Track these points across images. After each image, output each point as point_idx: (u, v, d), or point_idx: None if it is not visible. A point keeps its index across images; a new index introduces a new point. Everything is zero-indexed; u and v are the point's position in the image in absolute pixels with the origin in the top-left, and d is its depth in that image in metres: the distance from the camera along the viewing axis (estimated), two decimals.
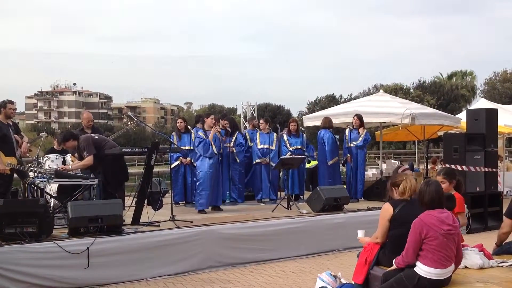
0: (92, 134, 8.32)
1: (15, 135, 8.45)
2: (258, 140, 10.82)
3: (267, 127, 10.92)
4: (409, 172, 5.98)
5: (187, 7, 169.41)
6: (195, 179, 10.23)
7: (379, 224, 5.06)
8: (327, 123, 11.04)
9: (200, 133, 9.39)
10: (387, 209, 5.02)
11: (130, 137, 57.02)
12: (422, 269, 4.50)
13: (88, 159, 7.65)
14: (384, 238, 5.01)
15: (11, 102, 8.45)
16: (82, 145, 7.77)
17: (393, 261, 4.74)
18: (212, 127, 9.42)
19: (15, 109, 8.65)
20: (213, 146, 9.27)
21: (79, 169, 7.91)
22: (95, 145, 7.79)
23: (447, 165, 10.86)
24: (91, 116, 9.82)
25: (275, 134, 10.88)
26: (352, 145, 10.93)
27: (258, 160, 10.77)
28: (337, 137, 11.15)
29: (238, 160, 10.52)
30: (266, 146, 10.75)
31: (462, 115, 14.45)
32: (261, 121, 11.13)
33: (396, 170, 7.47)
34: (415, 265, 4.57)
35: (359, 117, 11.09)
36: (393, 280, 4.62)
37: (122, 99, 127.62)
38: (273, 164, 10.36)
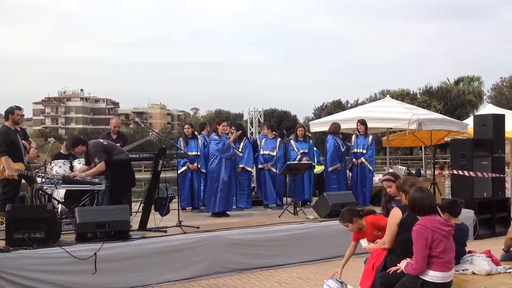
0: (101, 140, 8.35)
1: (23, 141, 8.51)
2: (262, 146, 10.87)
3: (272, 132, 10.96)
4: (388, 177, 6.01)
5: (195, 12, 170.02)
6: (202, 185, 10.33)
7: (387, 230, 5.05)
8: (332, 129, 11.08)
9: (215, 137, 9.54)
10: (396, 214, 5.00)
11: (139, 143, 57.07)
12: (427, 274, 4.48)
13: (101, 165, 7.67)
14: (392, 244, 4.99)
15: (19, 108, 8.51)
16: (92, 151, 7.79)
17: (403, 264, 4.65)
18: (224, 134, 9.64)
19: (23, 115, 8.71)
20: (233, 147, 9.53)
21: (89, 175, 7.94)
22: (104, 150, 7.81)
23: (455, 171, 10.85)
24: (119, 122, 9.98)
25: (278, 139, 10.89)
26: (357, 150, 10.94)
27: (260, 166, 10.84)
28: (349, 144, 11.14)
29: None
30: (267, 152, 10.81)
31: (469, 121, 14.41)
32: (265, 127, 11.22)
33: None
34: None
35: (362, 122, 11.07)
36: (397, 286, 4.61)
37: (129, 105, 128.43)
38: (274, 170, 10.52)
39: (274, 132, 11.09)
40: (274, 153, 10.74)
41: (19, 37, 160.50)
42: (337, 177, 10.86)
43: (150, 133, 9.76)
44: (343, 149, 10.88)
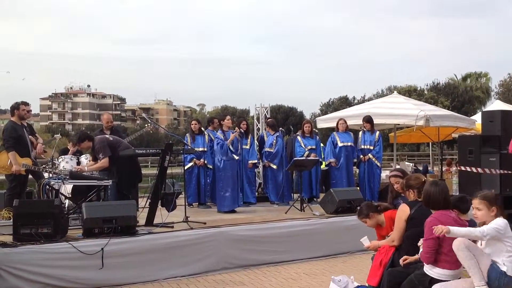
0: (107, 136, 8.36)
1: (30, 137, 8.53)
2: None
3: (272, 129, 11.00)
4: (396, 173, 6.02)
5: (200, 9, 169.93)
6: (209, 181, 10.37)
7: (396, 226, 5.03)
8: (335, 125, 11.07)
9: (219, 134, 9.56)
10: (404, 210, 4.99)
11: (143, 138, 57.22)
12: (435, 271, 4.47)
13: (104, 161, 7.69)
14: (401, 240, 4.97)
15: (26, 104, 8.54)
16: (97, 146, 7.80)
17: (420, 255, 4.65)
18: (229, 128, 9.61)
19: (30, 111, 8.74)
20: (231, 149, 9.49)
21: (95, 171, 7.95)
22: (110, 146, 7.82)
23: (462, 168, 10.79)
24: (111, 117, 9.97)
25: (275, 136, 10.85)
26: (365, 147, 10.89)
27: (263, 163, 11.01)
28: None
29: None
30: (267, 149, 10.85)
31: (477, 117, 14.34)
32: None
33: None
34: (423, 267, 4.56)
35: (367, 120, 10.99)
36: (405, 283, 4.60)
37: (136, 100, 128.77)
38: (274, 166, 10.60)
39: (280, 129, 11.09)
40: (271, 150, 10.76)
41: (27, 34, 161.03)
42: (337, 172, 10.84)
43: (147, 125, 9.81)
44: (340, 144, 10.79)
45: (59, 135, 10.25)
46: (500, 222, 4.41)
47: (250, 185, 10.59)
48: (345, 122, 11.05)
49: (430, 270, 4.51)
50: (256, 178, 11.82)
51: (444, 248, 4.44)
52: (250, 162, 10.41)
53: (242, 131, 10.26)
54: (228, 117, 10.01)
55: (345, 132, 10.95)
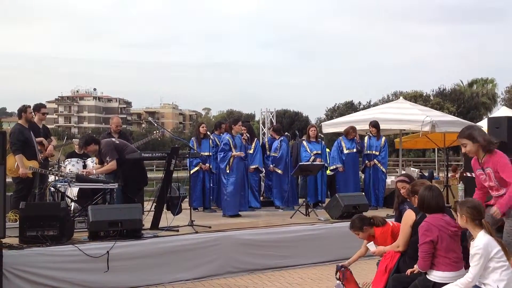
0: (113, 139, 8.39)
1: (41, 138, 8.62)
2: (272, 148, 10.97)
3: (276, 134, 11.04)
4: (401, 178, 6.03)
5: (207, 13, 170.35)
6: (213, 185, 10.38)
7: (401, 232, 5.03)
8: (344, 132, 11.07)
9: (228, 138, 9.63)
10: (409, 215, 5.00)
11: (149, 142, 57.27)
12: (436, 275, 4.49)
13: (112, 164, 7.70)
14: (406, 246, 4.98)
15: (43, 106, 8.77)
16: (104, 150, 7.83)
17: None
18: (239, 133, 9.74)
19: (46, 113, 8.95)
20: (230, 164, 9.56)
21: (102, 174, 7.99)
22: (116, 149, 7.84)
23: (468, 174, 10.75)
24: (120, 121, 9.98)
25: (279, 140, 10.87)
26: (370, 152, 10.88)
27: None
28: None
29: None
30: (272, 154, 10.89)
31: (483, 123, 14.28)
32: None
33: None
34: (426, 272, 4.56)
35: (374, 125, 10.98)
36: None
37: (141, 104, 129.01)
38: (279, 171, 10.64)
39: (286, 133, 11.11)
40: (275, 154, 10.79)
41: (33, 37, 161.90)
42: (343, 178, 10.84)
43: (155, 132, 9.86)
44: (346, 151, 10.79)
45: (76, 139, 10.33)
46: (477, 243, 4.25)
47: (253, 189, 10.60)
48: (354, 131, 10.97)
49: (431, 275, 4.53)
50: (261, 182, 11.85)
51: (440, 250, 4.47)
52: (251, 167, 10.41)
53: (248, 135, 10.27)
54: (240, 122, 10.03)
55: (351, 139, 10.93)
